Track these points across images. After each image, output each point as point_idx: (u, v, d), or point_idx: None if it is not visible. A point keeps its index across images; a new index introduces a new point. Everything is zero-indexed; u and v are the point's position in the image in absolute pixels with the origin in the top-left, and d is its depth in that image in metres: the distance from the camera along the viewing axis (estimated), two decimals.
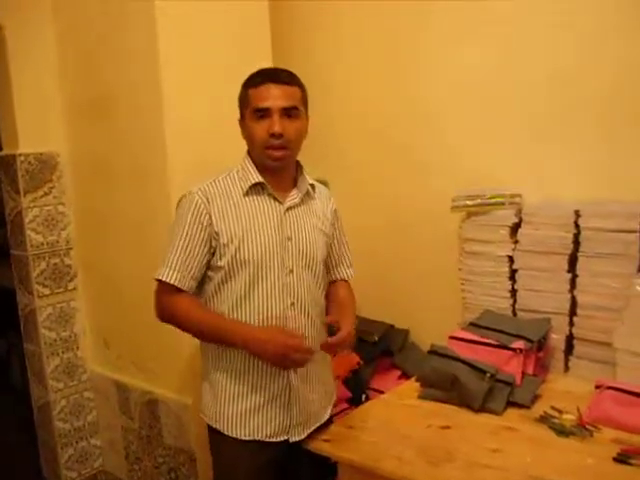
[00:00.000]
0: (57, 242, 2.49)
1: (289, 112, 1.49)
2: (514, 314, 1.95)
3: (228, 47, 2.19)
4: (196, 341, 1.61)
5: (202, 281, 1.55)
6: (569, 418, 1.54)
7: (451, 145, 2.18)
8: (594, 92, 1.85)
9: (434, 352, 1.79)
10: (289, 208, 1.55)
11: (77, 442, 2.58)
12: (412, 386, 1.83)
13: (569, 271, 1.82)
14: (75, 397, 2.57)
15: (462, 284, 2.07)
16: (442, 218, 2.13)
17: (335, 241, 1.72)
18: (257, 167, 1.54)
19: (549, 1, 1.90)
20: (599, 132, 1.86)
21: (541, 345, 1.82)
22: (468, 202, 2.00)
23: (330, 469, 1.56)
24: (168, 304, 1.51)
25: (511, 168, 2.03)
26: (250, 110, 1.50)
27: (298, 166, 1.62)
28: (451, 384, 1.68)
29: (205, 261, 1.51)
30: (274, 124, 1.46)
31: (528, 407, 1.63)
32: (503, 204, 1.95)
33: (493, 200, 1.96)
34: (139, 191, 2.19)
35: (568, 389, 1.74)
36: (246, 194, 1.53)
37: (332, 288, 1.73)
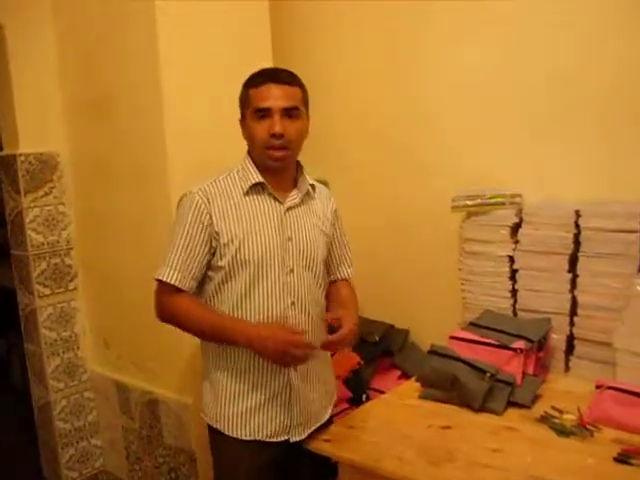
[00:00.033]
0: (57, 242, 2.49)
1: (290, 112, 1.49)
2: (514, 314, 1.95)
3: (228, 47, 2.18)
4: (196, 341, 1.61)
5: (202, 281, 1.55)
6: (569, 418, 1.54)
7: (451, 145, 2.18)
8: (594, 92, 1.85)
9: (434, 352, 1.80)
10: (289, 208, 1.55)
11: (78, 442, 2.58)
12: (412, 386, 1.83)
13: (569, 271, 1.82)
14: (75, 397, 2.57)
15: (462, 284, 2.07)
16: (442, 218, 2.13)
17: (336, 241, 1.72)
18: (257, 167, 1.54)
19: (549, 1, 1.91)
20: (599, 132, 1.86)
21: (541, 345, 1.82)
22: (468, 202, 2.00)
23: (331, 469, 1.56)
24: (168, 304, 1.51)
25: (511, 168, 2.03)
26: (251, 110, 1.50)
27: (298, 166, 1.62)
28: (451, 384, 1.68)
29: (205, 261, 1.51)
30: (275, 124, 1.46)
31: (528, 407, 1.64)
32: (503, 204, 1.95)
33: (493, 200, 1.96)
34: (139, 191, 2.19)
35: (568, 389, 1.74)
36: (246, 194, 1.53)
37: (334, 288, 1.73)
